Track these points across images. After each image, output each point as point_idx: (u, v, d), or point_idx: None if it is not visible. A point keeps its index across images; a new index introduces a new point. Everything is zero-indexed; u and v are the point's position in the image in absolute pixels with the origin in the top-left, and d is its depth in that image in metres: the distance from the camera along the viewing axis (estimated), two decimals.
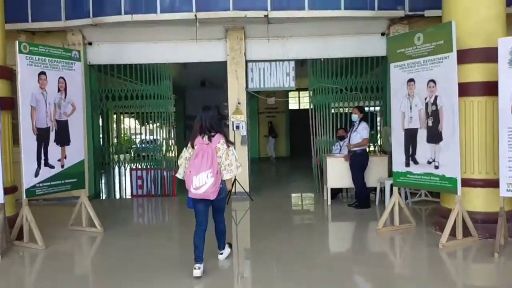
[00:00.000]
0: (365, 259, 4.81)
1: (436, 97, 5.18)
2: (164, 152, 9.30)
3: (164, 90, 8.97)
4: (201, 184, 3.98)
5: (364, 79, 8.84)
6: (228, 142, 4.18)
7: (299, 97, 21.16)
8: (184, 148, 4.32)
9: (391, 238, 5.58)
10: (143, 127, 10.33)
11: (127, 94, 8.99)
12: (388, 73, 8.56)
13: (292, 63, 8.79)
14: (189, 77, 13.91)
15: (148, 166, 9.13)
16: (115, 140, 17.23)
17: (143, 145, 10.77)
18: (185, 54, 8.77)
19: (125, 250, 5.25)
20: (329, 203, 7.59)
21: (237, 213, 7.71)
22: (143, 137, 11.19)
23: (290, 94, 19.60)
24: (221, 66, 8.75)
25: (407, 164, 5.57)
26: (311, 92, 8.93)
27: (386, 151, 8.18)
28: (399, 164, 5.67)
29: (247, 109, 8.70)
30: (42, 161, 5.58)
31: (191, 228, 4.28)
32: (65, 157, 5.85)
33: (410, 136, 5.51)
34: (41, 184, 5.56)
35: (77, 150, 6.03)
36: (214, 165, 4.02)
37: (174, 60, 8.88)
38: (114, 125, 18.95)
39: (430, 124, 5.28)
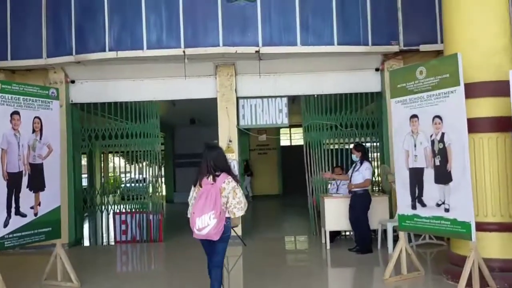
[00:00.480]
0: None
1: (443, 134, 4.81)
2: (150, 193, 8.77)
3: (151, 128, 8.54)
4: (204, 225, 3.93)
5: (359, 115, 8.52)
6: (235, 180, 4.11)
7: (290, 133, 20.92)
8: (192, 187, 4.24)
9: None
10: (132, 165, 9.79)
11: (112, 133, 8.53)
12: (384, 109, 8.34)
13: (285, 100, 8.46)
14: (178, 114, 13.55)
15: (133, 209, 8.56)
16: (102, 181, 16.64)
17: (132, 185, 10.18)
18: (173, 91, 8.41)
19: None
20: (328, 247, 7.06)
21: (229, 259, 7.10)
22: (132, 175, 10.61)
23: (282, 130, 19.37)
24: (211, 103, 8.39)
25: (414, 207, 5.13)
26: (304, 129, 8.55)
27: (385, 190, 7.75)
28: (404, 206, 5.23)
29: (238, 147, 8.28)
30: (13, 209, 5.04)
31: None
32: (39, 204, 5.32)
33: (416, 175, 5.10)
34: (11, 235, 5.01)
35: (53, 196, 5.51)
36: (217, 207, 3.96)
37: (162, 97, 8.51)
38: (101, 165, 18.40)
39: (437, 163, 4.88)
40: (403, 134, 5.23)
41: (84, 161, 15.08)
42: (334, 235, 7.50)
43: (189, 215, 4.18)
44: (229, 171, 4.14)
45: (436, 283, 5.10)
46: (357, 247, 6.76)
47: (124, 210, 8.65)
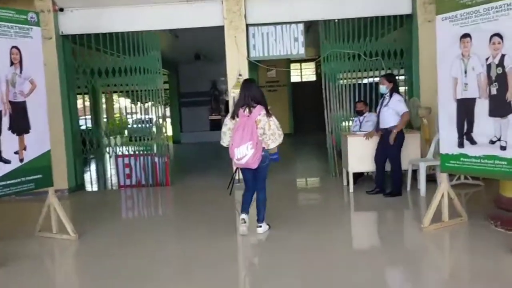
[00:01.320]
0: (420, 270, 3.66)
1: (503, 56, 3.93)
2: (154, 134, 8.05)
3: (152, 63, 7.64)
4: (242, 155, 4.25)
5: (385, 43, 7.53)
6: (268, 113, 4.37)
7: (301, 68, 19.86)
8: (227, 119, 4.55)
9: (444, 239, 4.43)
10: (136, 105, 9.05)
11: (109, 69, 7.67)
12: (414, 34, 7.33)
13: (301, 26, 7.48)
14: (181, 49, 12.53)
15: (137, 152, 7.89)
16: (106, 122, 15.98)
17: (137, 126, 9.48)
18: (175, 19, 7.45)
19: (104, 266, 4.06)
20: (351, 190, 6.39)
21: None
22: (137, 116, 9.87)
23: (292, 65, 18.32)
24: (218, 34, 7.44)
25: (461, 145, 4.35)
26: (323, 59, 7.61)
27: (414, 126, 6.95)
28: (449, 144, 4.45)
29: None
30: None
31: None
32: (25, 149, 4.61)
33: (466, 108, 4.28)
34: None
35: (41, 139, 4.78)
36: (254, 137, 4.25)
37: (162, 26, 7.55)
38: (106, 105, 17.64)
39: (494, 92, 4.04)
40: (450, 58, 4.33)
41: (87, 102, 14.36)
42: (357, 177, 6.81)
43: (223, 144, 4.56)
44: (264, 104, 4.39)
45: (483, 231, 4.42)
46: (377, 189, 6.09)
47: (127, 153, 7.98)
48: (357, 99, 7.54)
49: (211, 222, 5.24)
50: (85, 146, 7.99)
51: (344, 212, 5.83)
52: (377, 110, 6.09)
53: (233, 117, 4.44)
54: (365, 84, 7.74)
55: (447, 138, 4.47)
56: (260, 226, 4.63)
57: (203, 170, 9.34)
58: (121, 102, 16.38)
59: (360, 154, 6.28)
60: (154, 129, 8.11)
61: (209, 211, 5.87)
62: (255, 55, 7.51)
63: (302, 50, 7.54)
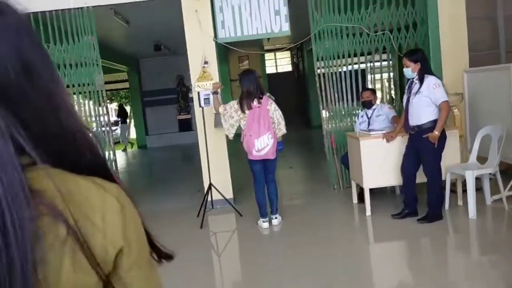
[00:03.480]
0: None
1: None
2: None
3: (86, 51, 5.68)
4: (263, 146, 4.25)
5: (393, 13, 5.77)
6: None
7: (275, 58, 18.14)
8: (231, 109, 4.45)
9: None
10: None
11: None
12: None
13: None
14: (137, 40, 10.59)
15: None
16: None
17: None
18: None
19: None
20: (367, 212, 4.61)
21: (218, 240, 4.74)
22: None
23: (266, 56, 16.57)
24: (177, 16, 5.56)
25: None
26: (314, 37, 5.81)
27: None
28: None
29: (221, 71, 5.59)
30: None
31: None
32: None
33: None
34: None
35: None
36: (271, 127, 4.30)
37: (97, 1, 5.59)
38: None
39: None
40: None
41: None
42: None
43: (229, 135, 4.55)
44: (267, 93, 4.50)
45: None
46: (406, 210, 4.35)
47: None
48: (361, 88, 5.79)
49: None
50: None
51: (363, 251, 4.03)
52: (404, 101, 4.31)
53: (242, 110, 4.35)
54: (370, 69, 5.99)
55: None
56: (276, 218, 4.66)
57: (169, 185, 7.45)
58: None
59: (379, 163, 4.52)
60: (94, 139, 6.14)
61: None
62: (225, 36, 5.65)
63: (286, 26, 5.72)
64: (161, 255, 0.68)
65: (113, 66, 11.96)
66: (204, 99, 5.15)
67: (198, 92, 5.27)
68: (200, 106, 5.26)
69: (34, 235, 0.51)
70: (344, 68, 5.88)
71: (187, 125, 14.43)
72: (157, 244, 0.67)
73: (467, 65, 5.47)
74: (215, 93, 4.86)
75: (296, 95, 16.16)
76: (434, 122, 4.03)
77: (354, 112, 5.92)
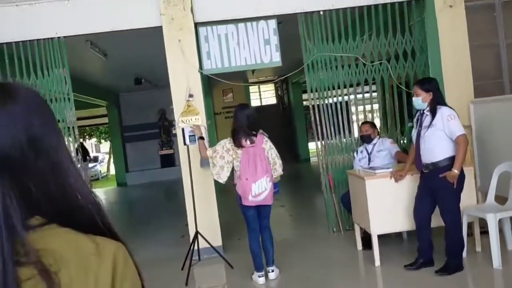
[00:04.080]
0: None
1: None
2: None
3: (57, 85, 5.13)
4: (261, 190, 3.82)
5: (391, 40, 5.40)
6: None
7: (259, 91, 17.86)
8: (221, 150, 3.99)
9: None
10: None
11: None
12: (431, 25, 5.27)
13: (273, 22, 5.27)
14: (117, 73, 10.14)
15: None
16: None
17: None
18: (87, 19, 5.03)
19: None
20: (376, 262, 4.06)
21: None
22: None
23: (251, 89, 16.27)
24: (158, 46, 5.11)
25: None
26: (307, 68, 5.38)
27: None
28: None
29: (206, 105, 5.09)
30: None
31: None
32: None
33: None
34: None
35: None
36: (269, 169, 3.89)
37: (70, 31, 5.09)
38: None
39: None
40: None
41: None
42: (369, 237, 4.50)
43: (220, 180, 4.06)
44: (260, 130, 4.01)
45: None
46: (421, 260, 3.81)
47: None
48: (359, 121, 5.36)
49: None
50: None
51: None
52: (414, 135, 3.86)
53: (237, 146, 3.93)
54: (367, 99, 5.58)
55: None
56: (273, 271, 4.11)
57: (149, 228, 6.79)
58: None
59: (387, 206, 4.01)
60: None
61: None
62: (211, 67, 5.20)
63: (276, 57, 5.30)
64: None
65: (91, 101, 11.43)
66: (190, 136, 4.62)
67: (183, 129, 4.74)
68: (185, 144, 4.72)
69: None
70: (340, 99, 5.46)
71: (169, 161, 13.86)
72: None
73: (472, 96, 5.10)
74: (200, 138, 4.32)
75: (282, 128, 15.78)
76: (451, 159, 3.57)
77: (352, 146, 5.44)
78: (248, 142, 3.91)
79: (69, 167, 0.70)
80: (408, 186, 3.98)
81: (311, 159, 14.06)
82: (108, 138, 17.28)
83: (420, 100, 3.73)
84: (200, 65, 5.10)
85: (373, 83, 5.49)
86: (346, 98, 5.50)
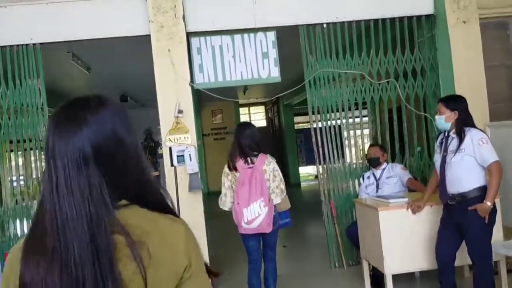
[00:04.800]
0: None
1: None
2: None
3: (30, 96, 4.57)
4: (254, 216, 3.49)
5: (399, 57, 4.99)
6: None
7: (249, 113, 17.45)
8: (223, 176, 3.70)
9: None
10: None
11: None
12: (442, 42, 4.86)
13: (272, 35, 4.83)
14: (102, 90, 9.51)
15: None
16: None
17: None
18: (68, 25, 4.53)
19: None
20: None
21: None
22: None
23: (241, 110, 15.85)
24: (145, 60, 4.64)
25: None
26: (309, 84, 4.92)
27: None
28: None
29: (196, 125, 4.57)
30: None
31: None
32: None
33: None
34: None
35: None
36: (264, 192, 3.52)
37: (47, 37, 4.57)
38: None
39: None
40: None
41: None
42: (378, 276, 3.98)
43: (224, 208, 3.75)
44: (265, 151, 3.70)
45: None
46: None
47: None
48: (367, 143, 4.89)
49: None
50: None
51: None
52: (437, 161, 3.37)
53: (229, 170, 3.64)
54: (379, 120, 5.12)
55: None
56: None
57: None
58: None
59: (403, 241, 3.50)
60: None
61: None
62: (203, 81, 4.72)
63: (275, 72, 4.85)
64: (209, 271, 0.98)
65: None
66: (178, 156, 4.10)
67: (170, 148, 4.21)
68: (172, 165, 4.19)
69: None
70: (344, 121, 5.00)
71: None
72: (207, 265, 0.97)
73: (487, 119, 4.68)
74: None
75: (272, 152, 15.30)
76: (481, 189, 3.10)
77: (357, 171, 4.95)
78: (246, 163, 3.58)
79: (143, 160, 0.96)
80: (427, 219, 3.49)
81: (301, 184, 13.59)
82: None
83: (444, 120, 3.27)
84: (192, 78, 4.61)
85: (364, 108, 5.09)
86: (351, 120, 5.04)
